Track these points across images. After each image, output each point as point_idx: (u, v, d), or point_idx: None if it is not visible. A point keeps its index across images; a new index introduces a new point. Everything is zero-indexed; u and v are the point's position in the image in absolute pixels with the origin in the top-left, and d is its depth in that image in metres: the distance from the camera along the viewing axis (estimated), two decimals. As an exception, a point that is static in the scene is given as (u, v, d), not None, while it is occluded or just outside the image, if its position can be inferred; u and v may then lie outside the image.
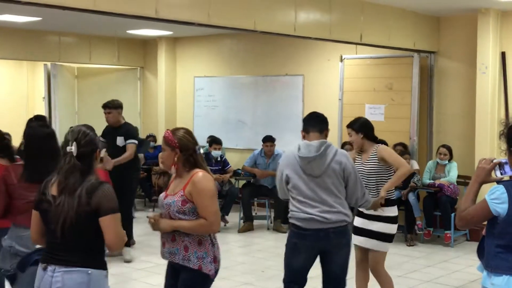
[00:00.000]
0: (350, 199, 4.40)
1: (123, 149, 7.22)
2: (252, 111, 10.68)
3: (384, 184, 5.00)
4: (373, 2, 7.47)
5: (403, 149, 8.21)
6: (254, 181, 9.29)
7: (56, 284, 3.07)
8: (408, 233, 8.11)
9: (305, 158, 4.31)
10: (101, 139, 7.00)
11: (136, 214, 9.26)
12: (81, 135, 3.14)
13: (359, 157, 5.15)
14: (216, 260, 3.68)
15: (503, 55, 8.09)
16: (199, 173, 3.62)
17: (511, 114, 8.01)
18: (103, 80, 12.07)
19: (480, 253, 3.14)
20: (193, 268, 3.60)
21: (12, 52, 10.58)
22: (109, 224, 3.06)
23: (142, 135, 11.07)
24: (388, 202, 5.01)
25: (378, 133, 5.27)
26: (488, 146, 7.89)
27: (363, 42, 7.53)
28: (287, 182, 4.42)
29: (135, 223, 7.98)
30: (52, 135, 4.00)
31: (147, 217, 3.72)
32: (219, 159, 9.28)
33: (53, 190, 3.12)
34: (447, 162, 8.29)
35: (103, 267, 3.17)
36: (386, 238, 5.05)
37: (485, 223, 3.09)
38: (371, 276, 5.24)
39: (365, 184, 4.76)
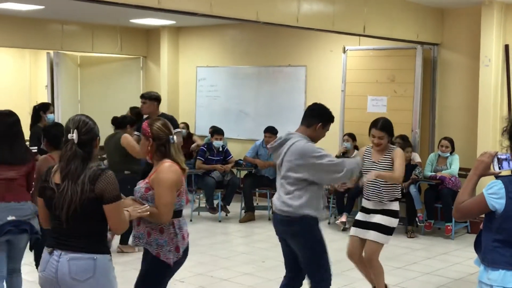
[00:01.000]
0: (331, 182, 5.03)
1: None
2: (254, 102, 10.67)
3: (395, 185, 5.10)
4: (377, -7, 7.45)
5: (401, 142, 8.03)
6: (255, 172, 9.31)
7: (62, 269, 3.15)
8: (409, 225, 8.13)
9: (269, 147, 4.61)
10: (136, 133, 7.09)
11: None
12: (82, 123, 3.24)
13: (369, 150, 5.19)
14: (178, 250, 3.75)
15: (506, 48, 8.06)
16: (166, 163, 3.73)
17: (513, 107, 8.01)
18: (105, 69, 12.07)
19: (478, 247, 3.15)
20: (152, 254, 3.74)
21: (15, 40, 10.58)
22: (114, 210, 3.18)
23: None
24: (394, 199, 5.14)
25: (380, 126, 5.29)
26: (490, 139, 7.87)
27: (366, 33, 7.51)
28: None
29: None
30: (16, 122, 4.60)
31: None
32: (220, 149, 9.28)
33: (56, 178, 3.21)
34: (449, 154, 8.28)
35: (107, 251, 3.26)
36: (386, 230, 5.08)
37: (483, 216, 3.09)
38: (352, 265, 5.37)
39: (376, 182, 5.01)
